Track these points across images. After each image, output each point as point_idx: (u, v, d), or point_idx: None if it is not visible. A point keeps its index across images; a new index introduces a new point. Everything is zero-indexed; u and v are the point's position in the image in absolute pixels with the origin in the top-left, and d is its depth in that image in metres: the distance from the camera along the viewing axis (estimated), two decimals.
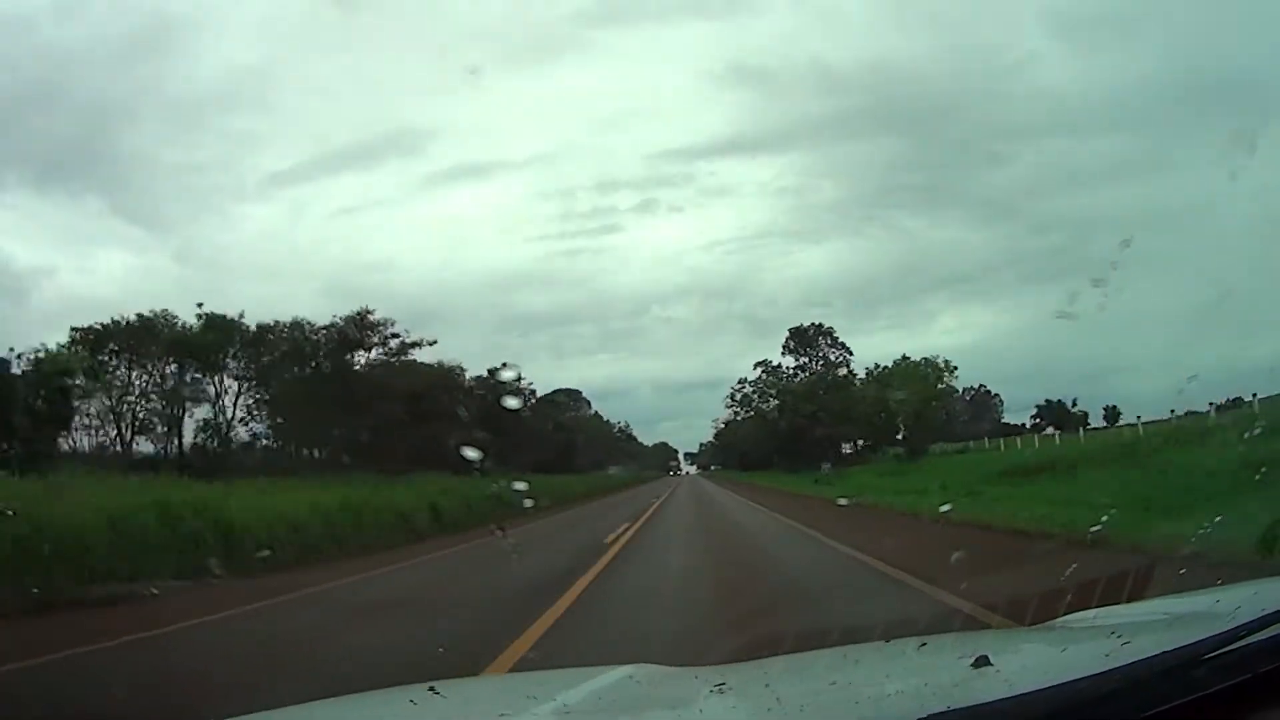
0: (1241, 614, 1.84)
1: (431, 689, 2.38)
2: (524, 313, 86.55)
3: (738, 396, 70.66)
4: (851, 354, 65.34)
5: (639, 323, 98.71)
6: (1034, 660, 2.06)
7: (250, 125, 73.80)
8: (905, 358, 57.76)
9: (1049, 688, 1.66)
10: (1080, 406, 61.07)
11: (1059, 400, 62.60)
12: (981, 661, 1.95)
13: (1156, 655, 1.73)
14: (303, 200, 73.87)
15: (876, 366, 61.36)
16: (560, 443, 61.27)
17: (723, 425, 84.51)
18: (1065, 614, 2.83)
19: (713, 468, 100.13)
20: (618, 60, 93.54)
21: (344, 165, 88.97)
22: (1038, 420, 62.77)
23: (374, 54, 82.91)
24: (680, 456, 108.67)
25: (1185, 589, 3.23)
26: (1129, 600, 3.11)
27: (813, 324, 67.41)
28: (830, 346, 66.88)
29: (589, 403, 79.43)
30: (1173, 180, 60.04)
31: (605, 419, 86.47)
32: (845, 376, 64.89)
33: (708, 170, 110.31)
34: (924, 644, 2.42)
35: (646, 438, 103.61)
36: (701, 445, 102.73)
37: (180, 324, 39.21)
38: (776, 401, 65.62)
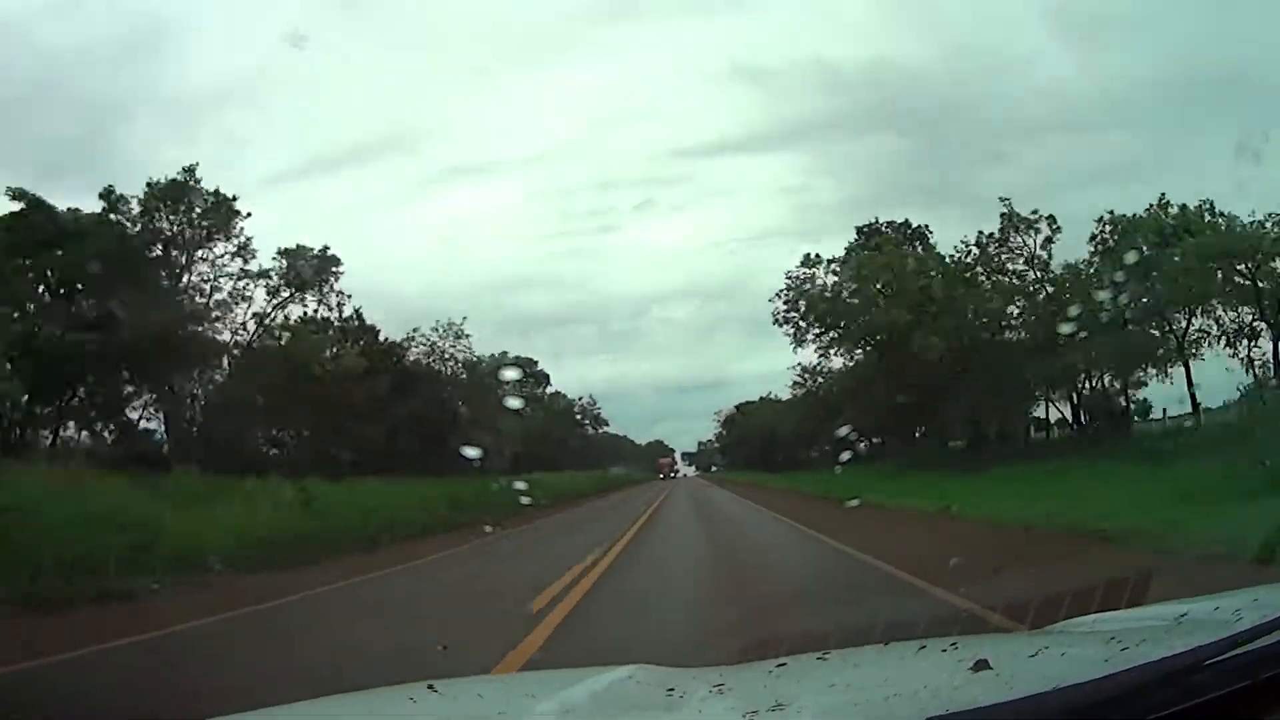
0: (1243, 620, 1.84)
1: (430, 687, 2.38)
2: (523, 313, 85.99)
3: (796, 293, 38.22)
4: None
5: (638, 324, 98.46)
6: (1033, 664, 2.05)
7: (244, 124, 73.53)
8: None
9: (1048, 692, 1.66)
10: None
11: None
12: (981, 665, 1.95)
13: (1157, 660, 1.72)
14: (297, 200, 73.17)
15: (1112, 215, 31.65)
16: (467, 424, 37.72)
17: (734, 410, 70.15)
18: (1065, 618, 2.82)
19: (714, 468, 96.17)
20: (619, 58, 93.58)
21: (339, 164, 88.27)
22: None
23: (371, 51, 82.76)
24: (678, 456, 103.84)
25: (1186, 594, 3.21)
26: (1129, 605, 3.10)
27: (890, 222, 40.52)
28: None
29: (547, 377, 60.63)
30: (1178, 180, 59.35)
31: (567, 397, 66.58)
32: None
33: (708, 170, 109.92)
34: (923, 646, 2.42)
35: (641, 436, 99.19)
36: (701, 444, 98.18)
37: None
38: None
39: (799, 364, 44.90)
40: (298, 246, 35.74)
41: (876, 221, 40.95)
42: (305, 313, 35.77)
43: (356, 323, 37.25)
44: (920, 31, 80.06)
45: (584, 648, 6.95)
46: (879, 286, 33.23)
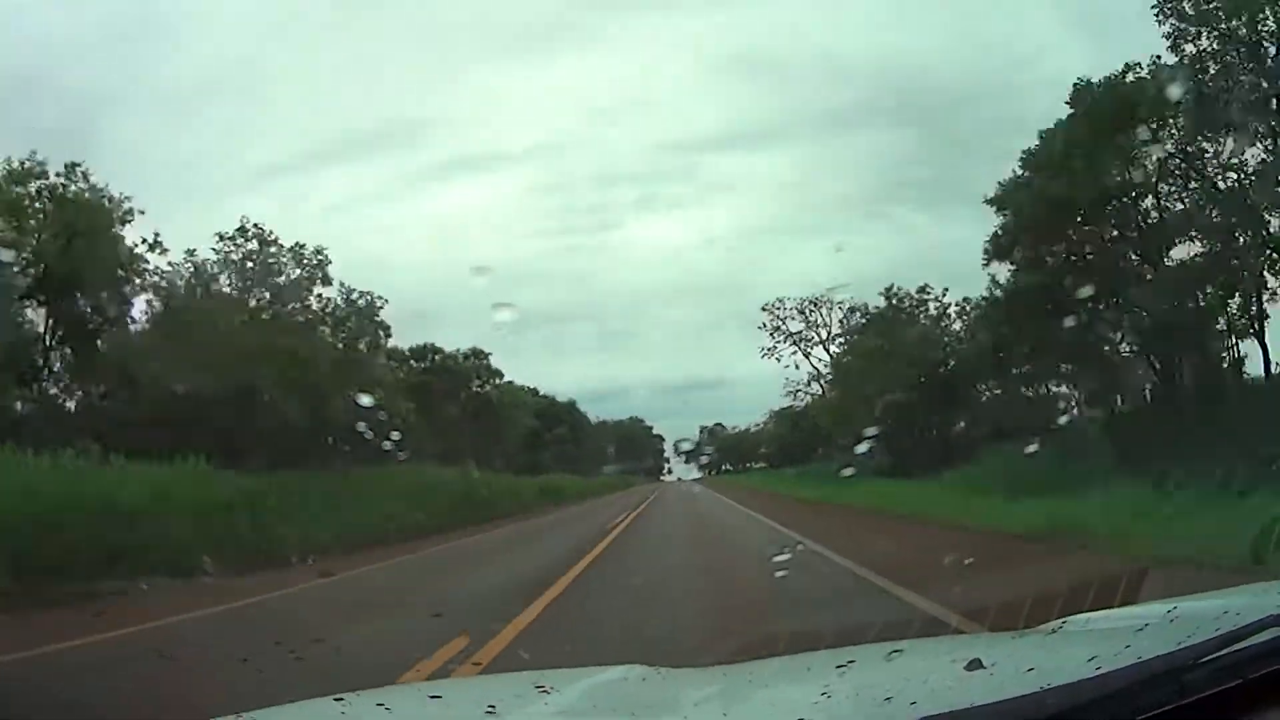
0: (1237, 618, 1.84)
1: (426, 689, 2.38)
2: (521, 311, 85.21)
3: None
4: None
5: (636, 322, 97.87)
6: (1027, 663, 2.06)
7: (238, 115, 72.60)
8: None
9: (1042, 691, 1.66)
10: None
11: None
12: (974, 664, 1.95)
13: (1150, 659, 1.73)
14: (290, 194, 72.29)
15: None
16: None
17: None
18: (1059, 617, 2.83)
19: (725, 469, 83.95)
20: (618, 50, 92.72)
21: (332, 158, 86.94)
22: None
23: (364, 42, 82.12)
24: (670, 450, 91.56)
25: (1179, 593, 3.23)
26: (1122, 604, 3.11)
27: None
28: None
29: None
30: None
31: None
32: None
33: (709, 164, 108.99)
34: (916, 646, 2.42)
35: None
36: (704, 429, 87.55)
37: None
38: None
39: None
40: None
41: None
42: None
43: None
44: (927, 23, 79.67)
45: None
46: None
